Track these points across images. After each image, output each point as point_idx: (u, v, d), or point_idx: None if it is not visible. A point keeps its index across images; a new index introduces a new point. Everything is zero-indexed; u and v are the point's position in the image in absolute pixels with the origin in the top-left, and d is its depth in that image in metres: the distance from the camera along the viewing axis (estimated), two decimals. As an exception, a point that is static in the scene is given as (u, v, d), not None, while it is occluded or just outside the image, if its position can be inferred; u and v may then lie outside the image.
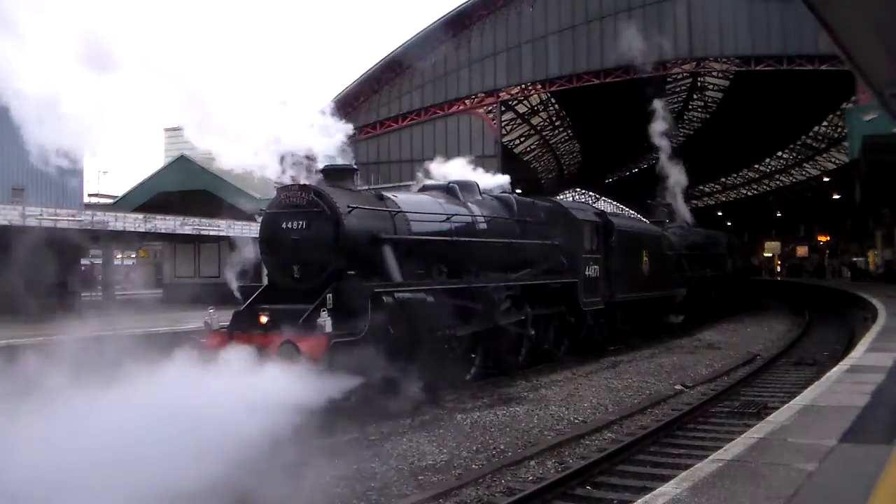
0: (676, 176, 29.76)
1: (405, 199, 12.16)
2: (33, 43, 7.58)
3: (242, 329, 9.94)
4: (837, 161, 53.01)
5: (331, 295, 9.56)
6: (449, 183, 13.99)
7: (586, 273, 15.63)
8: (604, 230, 16.75)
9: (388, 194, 12.03)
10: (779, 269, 68.25)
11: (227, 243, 30.54)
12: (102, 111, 8.29)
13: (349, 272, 10.08)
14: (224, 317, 10.70)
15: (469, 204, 13.59)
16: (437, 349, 11.08)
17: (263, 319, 9.81)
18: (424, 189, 14.04)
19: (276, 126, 9.90)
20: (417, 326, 10.45)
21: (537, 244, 14.84)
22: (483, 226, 13.48)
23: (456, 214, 12.90)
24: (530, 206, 15.60)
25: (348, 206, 10.40)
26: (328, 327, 9.18)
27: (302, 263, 10.33)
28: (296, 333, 9.10)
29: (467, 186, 14.15)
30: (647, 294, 18.92)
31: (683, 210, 29.10)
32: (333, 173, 11.21)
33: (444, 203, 12.98)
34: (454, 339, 11.64)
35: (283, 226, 10.48)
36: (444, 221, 12.48)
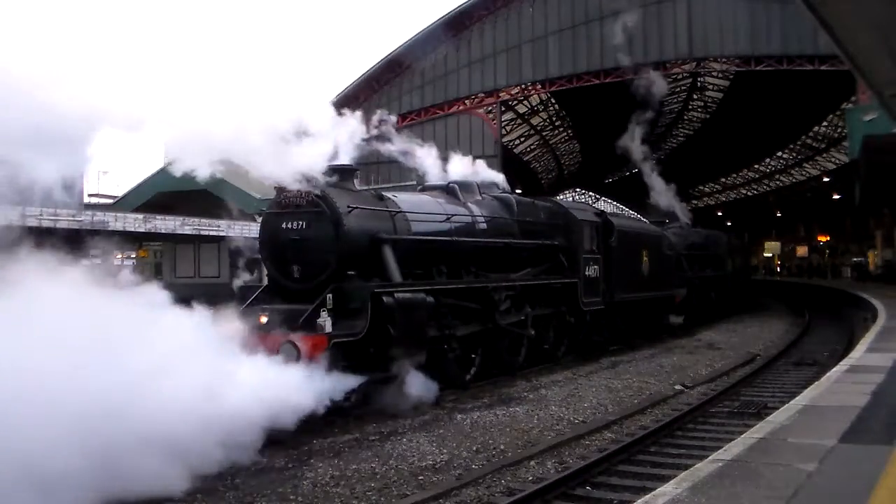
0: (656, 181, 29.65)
1: (405, 200, 12.17)
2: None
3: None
4: (837, 161, 53.03)
5: (331, 295, 9.55)
6: (449, 183, 14.00)
7: (586, 273, 15.62)
8: (604, 230, 16.73)
9: (388, 194, 12.03)
10: (778, 269, 68.32)
11: (227, 243, 30.53)
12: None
13: (349, 272, 10.07)
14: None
15: (469, 204, 13.60)
16: (437, 349, 11.07)
17: (263, 319, 9.80)
18: (424, 189, 14.06)
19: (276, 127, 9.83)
20: (417, 326, 10.43)
21: (537, 244, 14.84)
22: (483, 226, 13.49)
23: (456, 214, 12.90)
24: (530, 206, 15.59)
25: (348, 207, 10.40)
26: (328, 327, 9.18)
27: (302, 264, 10.34)
28: (296, 333, 9.09)
29: (467, 186, 14.15)
30: (647, 294, 18.91)
31: (671, 203, 29.03)
32: (334, 173, 11.17)
33: (444, 203, 12.98)
34: (454, 339, 11.65)
35: (283, 226, 10.48)
36: (443, 221, 12.49)
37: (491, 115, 37.74)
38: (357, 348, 9.60)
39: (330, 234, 10.24)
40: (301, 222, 10.37)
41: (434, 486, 7.20)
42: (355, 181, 11.67)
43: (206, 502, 6.84)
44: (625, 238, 17.63)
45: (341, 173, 11.15)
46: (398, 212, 11.47)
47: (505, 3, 36.59)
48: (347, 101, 37.96)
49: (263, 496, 6.92)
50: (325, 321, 9.20)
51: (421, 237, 11.81)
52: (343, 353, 9.31)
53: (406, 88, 38.17)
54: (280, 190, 10.90)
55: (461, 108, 37.42)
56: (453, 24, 36.82)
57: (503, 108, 39.88)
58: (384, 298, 9.94)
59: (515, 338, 13.58)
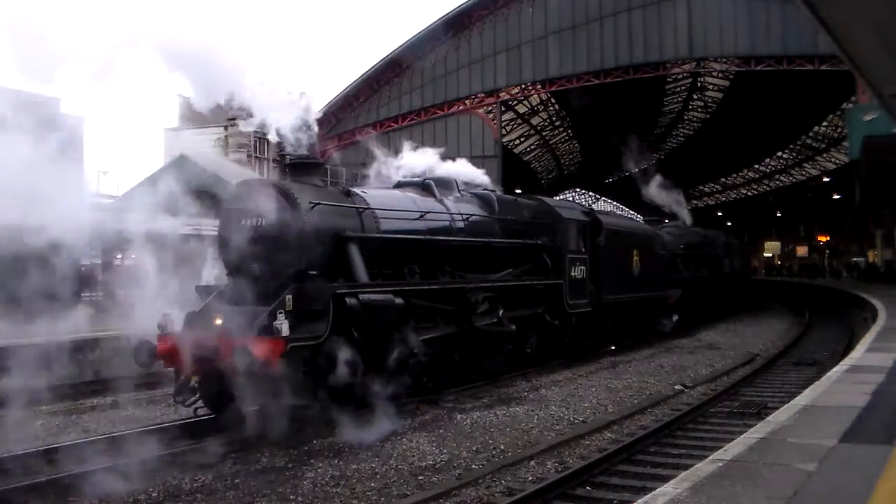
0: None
1: (374, 196, 11.37)
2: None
3: (195, 332, 9.11)
4: (837, 161, 53.07)
5: (290, 296, 8.91)
6: (425, 179, 13.31)
7: (572, 274, 15.01)
8: (592, 229, 16.13)
9: (357, 190, 11.31)
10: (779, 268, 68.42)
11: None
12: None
13: (311, 272, 9.36)
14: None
15: (446, 201, 12.91)
16: (406, 354, 10.34)
17: (218, 321, 9.05)
18: (399, 185, 13.30)
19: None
20: (383, 330, 9.85)
21: (519, 243, 14.19)
22: (460, 224, 12.80)
23: (431, 212, 12.11)
24: (513, 203, 14.92)
25: (310, 203, 9.72)
26: (285, 330, 8.49)
27: (261, 262, 9.57)
28: (251, 336, 8.45)
29: (445, 183, 13.48)
30: (637, 295, 18.36)
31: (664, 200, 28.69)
32: (299, 168, 10.44)
33: (419, 200, 12.29)
34: (425, 343, 10.88)
35: (243, 222, 9.67)
36: (417, 219, 11.73)
37: (491, 115, 37.76)
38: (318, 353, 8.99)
39: (291, 232, 9.54)
40: (261, 218, 9.64)
41: (434, 486, 7.20)
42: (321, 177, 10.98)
43: (206, 502, 6.84)
44: (614, 237, 17.04)
45: (305, 168, 10.47)
46: (366, 208, 10.80)
47: (505, 3, 36.64)
48: (348, 101, 38.12)
49: (263, 496, 6.92)
50: (282, 324, 8.48)
51: (391, 235, 11.10)
52: (303, 358, 8.73)
53: (406, 88, 38.20)
54: (240, 184, 10.28)
55: (461, 108, 37.45)
56: (453, 24, 36.87)
57: (503, 108, 39.92)
58: (347, 300, 9.27)
59: (495, 342, 12.94)
